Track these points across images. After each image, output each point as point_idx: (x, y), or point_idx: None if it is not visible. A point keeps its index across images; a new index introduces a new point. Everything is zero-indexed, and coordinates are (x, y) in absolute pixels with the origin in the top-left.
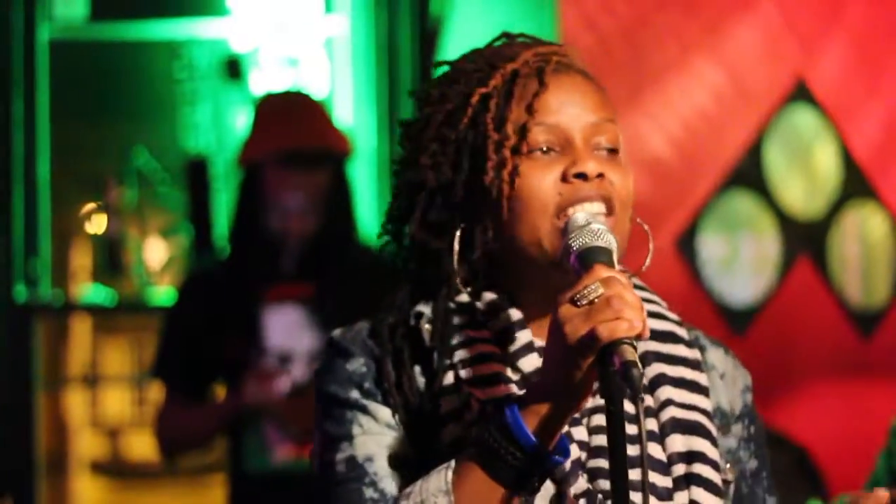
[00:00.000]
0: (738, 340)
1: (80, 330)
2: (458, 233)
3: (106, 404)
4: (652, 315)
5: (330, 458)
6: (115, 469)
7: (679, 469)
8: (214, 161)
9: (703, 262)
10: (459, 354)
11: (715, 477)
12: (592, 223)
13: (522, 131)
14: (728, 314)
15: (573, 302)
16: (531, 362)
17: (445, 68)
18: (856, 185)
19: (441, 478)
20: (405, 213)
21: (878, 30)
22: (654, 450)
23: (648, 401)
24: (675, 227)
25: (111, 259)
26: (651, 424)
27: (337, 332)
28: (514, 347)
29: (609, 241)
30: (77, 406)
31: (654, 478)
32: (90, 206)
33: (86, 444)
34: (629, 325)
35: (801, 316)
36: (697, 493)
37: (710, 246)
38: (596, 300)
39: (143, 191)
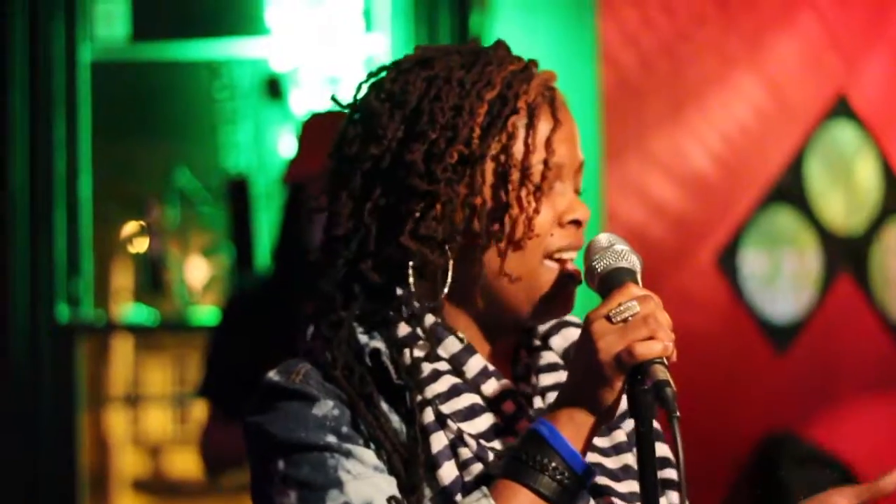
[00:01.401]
0: (779, 357)
1: (122, 349)
2: (451, 250)
3: (147, 423)
4: (578, 326)
5: None
6: (156, 487)
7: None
8: (255, 180)
9: (744, 278)
10: (431, 389)
11: (679, 477)
12: (616, 244)
13: (543, 169)
14: (770, 330)
15: (608, 318)
16: (492, 387)
17: (427, 60)
18: None
19: None
20: (390, 220)
21: None
22: (629, 460)
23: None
24: (716, 243)
25: (153, 278)
26: (619, 436)
27: (278, 378)
28: (470, 374)
29: (633, 262)
30: (119, 424)
31: (636, 487)
32: (132, 225)
33: (128, 463)
34: (663, 347)
35: (842, 332)
36: (672, 496)
37: (752, 262)
38: (631, 318)
39: (185, 210)
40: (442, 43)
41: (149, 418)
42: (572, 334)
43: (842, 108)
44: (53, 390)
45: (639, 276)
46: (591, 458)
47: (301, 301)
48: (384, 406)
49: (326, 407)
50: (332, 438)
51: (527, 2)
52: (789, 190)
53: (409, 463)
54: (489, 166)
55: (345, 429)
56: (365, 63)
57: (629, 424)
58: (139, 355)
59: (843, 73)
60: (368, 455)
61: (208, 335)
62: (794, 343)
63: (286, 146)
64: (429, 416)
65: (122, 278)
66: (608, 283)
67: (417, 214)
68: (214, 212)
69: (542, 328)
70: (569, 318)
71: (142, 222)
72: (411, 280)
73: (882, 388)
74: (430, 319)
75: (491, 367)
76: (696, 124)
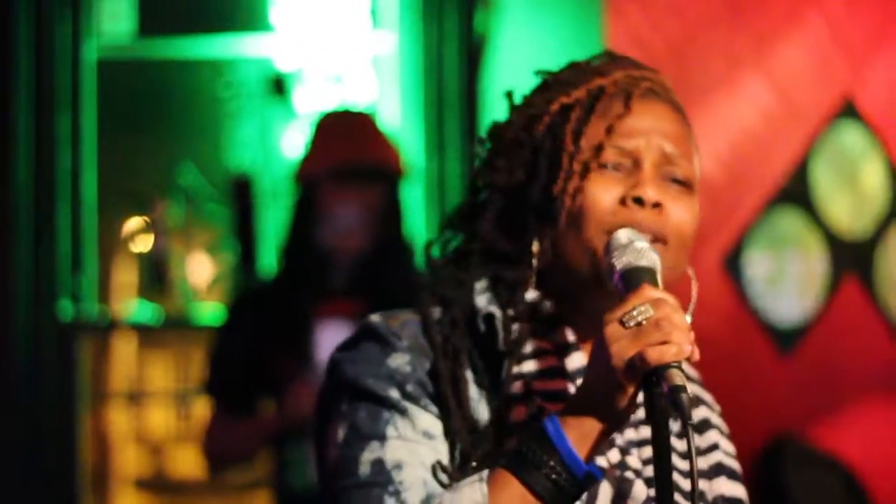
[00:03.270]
0: (784, 359)
1: (125, 346)
2: (534, 237)
3: (150, 420)
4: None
5: (355, 454)
6: (158, 485)
7: None
8: (259, 178)
9: (749, 281)
10: (528, 364)
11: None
12: (636, 241)
13: (597, 149)
14: (775, 333)
15: (621, 322)
16: None
17: (543, 77)
18: None
19: (475, 489)
20: (477, 211)
21: None
22: (705, 487)
23: (697, 440)
24: (721, 246)
25: (156, 276)
26: (700, 463)
27: (376, 319)
28: (571, 368)
29: (653, 259)
30: (121, 422)
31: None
32: (136, 223)
33: (129, 460)
34: (678, 350)
35: (848, 335)
36: None
37: (757, 264)
38: (644, 322)
39: (189, 208)
40: (448, 42)
41: (151, 416)
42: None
43: (848, 111)
44: (56, 387)
45: (658, 275)
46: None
47: (308, 299)
48: (469, 374)
49: (402, 360)
50: (394, 393)
51: (534, 1)
52: (795, 192)
53: (475, 430)
54: (543, 150)
55: (410, 386)
56: (371, 61)
57: (713, 457)
58: (142, 353)
59: (849, 76)
60: (423, 418)
61: (213, 332)
62: (798, 345)
63: (290, 144)
64: (517, 387)
65: (126, 275)
66: (627, 281)
67: (494, 206)
68: (218, 209)
69: None
70: None
71: (146, 219)
72: (535, 250)
73: (887, 392)
74: (547, 306)
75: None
76: (702, 126)
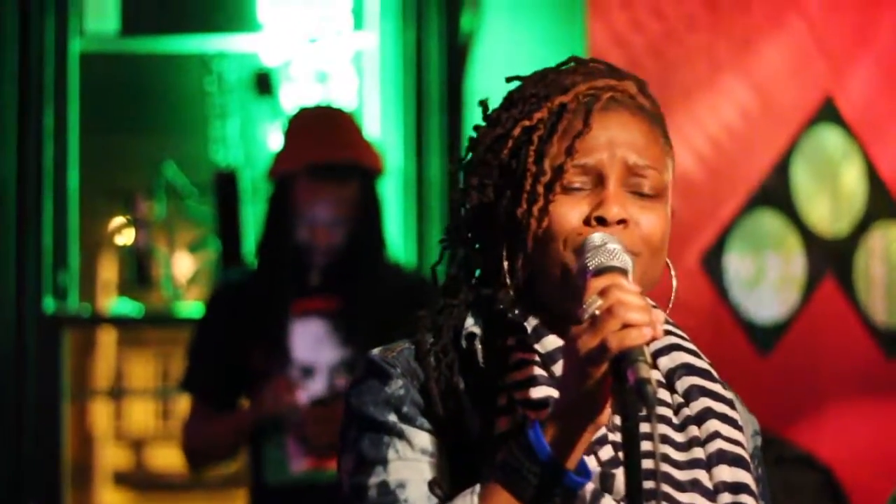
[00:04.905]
0: (763, 359)
1: (107, 342)
2: (504, 254)
3: (131, 416)
4: (688, 352)
5: (363, 481)
6: (138, 481)
7: (725, 498)
8: (243, 175)
9: (729, 281)
10: (512, 377)
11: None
12: (608, 243)
13: (559, 170)
14: (753, 332)
15: (578, 319)
16: None
17: (516, 84)
18: (882, 204)
19: (466, 502)
20: (458, 230)
21: None
22: (702, 476)
23: (695, 431)
24: (701, 245)
25: (139, 272)
26: (698, 453)
27: (376, 353)
28: (558, 372)
29: (625, 261)
30: (102, 418)
31: (702, 502)
32: (119, 219)
33: (110, 456)
34: (638, 332)
35: (826, 335)
36: None
37: (737, 264)
38: (597, 312)
39: (172, 204)
40: (429, 41)
41: (132, 412)
42: (682, 358)
43: (828, 112)
44: (38, 381)
45: (630, 275)
46: (661, 466)
47: (284, 296)
48: (462, 389)
49: (396, 385)
50: (392, 417)
51: (516, 1)
52: (775, 193)
53: (467, 444)
54: (509, 174)
55: (405, 408)
56: (353, 59)
57: (713, 446)
58: (123, 349)
59: (829, 78)
60: (420, 438)
61: (192, 328)
62: (777, 345)
63: (275, 141)
64: (502, 400)
65: (109, 271)
66: None
67: (466, 222)
68: (202, 206)
69: (654, 346)
70: (680, 341)
71: (129, 216)
72: (505, 267)
73: (864, 391)
74: (533, 321)
75: None
76: (683, 126)
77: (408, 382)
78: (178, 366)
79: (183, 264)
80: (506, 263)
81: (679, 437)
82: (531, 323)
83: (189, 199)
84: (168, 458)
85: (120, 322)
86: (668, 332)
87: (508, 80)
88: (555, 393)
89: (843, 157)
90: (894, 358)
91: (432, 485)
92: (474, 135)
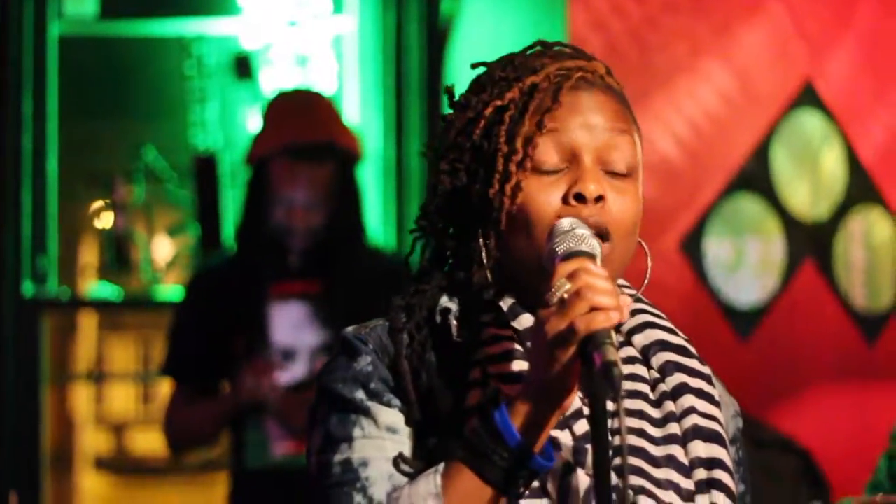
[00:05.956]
0: (742, 343)
1: (87, 326)
2: (478, 240)
3: (111, 401)
4: (663, 329)
5: (328, 458)
6: (119, 465)
7: (700, 473)
8: (223, 159)
9: (708, 264)
10: (485, 351)
11: (732, 485)
12: (577, 228)
13: (530, 147)
14: (733, 316)
15: (546, 303)
16: None
17: (481, 70)
18: (862, 188)
19: (430, 481)
20: (432, 213)
21: (887, 34)
22: (677, 452)
23: (671, 407)
24: (681, 229)
25: (118, 256)
26: (673, 429)
27: (349, 330)
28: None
29: (593, 245)
30: (83, 402)
31: (678, 478)
32: (98, 202)
33: (91, 440)
34: (605, 316)
35: (805, 319)
36: (718, 497)
37: (716, 248)
38: (565, 296)
39: (151, 188)
40: (409, 25)
41: (112, 396)
42: (656, 335)
43: (808, 97)
44: (17, 366)
45: (598, 260)
46: (636, 442)
47: (263, 279)
48: (435, 365)
49: (364, 362)
50: (359, 394)
51: None
52: (755, 177)
53: (436, 419)
54: (482, 152)
55: (373, 385)
56: (332, 43)
57: (688, 421)
58: (103, 332)
59: (809, 62)
60: (385, 414)
61: (172, 312)
62: (756, 329)
63: (254, 125)
64: (475, 374)
65: (88, 255)
66: None
67: (439, 206)
68: (181, 190)
69: (627, 325)
70: (655, 319)
71: (108, 199)
72: (482, 248)
73: (843, 375)
74: (509, 300)
75: None
76: (663, 111)
77: (376, 359)
78: (159, 350)
79: (162, 248)
80: (482, 243)
81: (655, 413)
82: (507, 302)
83: (168, 182)
84: (149, 442)
85: (99, 305)
86: (641, 311)
87: (474, 66)
88: (527, 368)
89: (823, 141)
90: (873, 342)
91: (396, 462)
92: (444, 122)
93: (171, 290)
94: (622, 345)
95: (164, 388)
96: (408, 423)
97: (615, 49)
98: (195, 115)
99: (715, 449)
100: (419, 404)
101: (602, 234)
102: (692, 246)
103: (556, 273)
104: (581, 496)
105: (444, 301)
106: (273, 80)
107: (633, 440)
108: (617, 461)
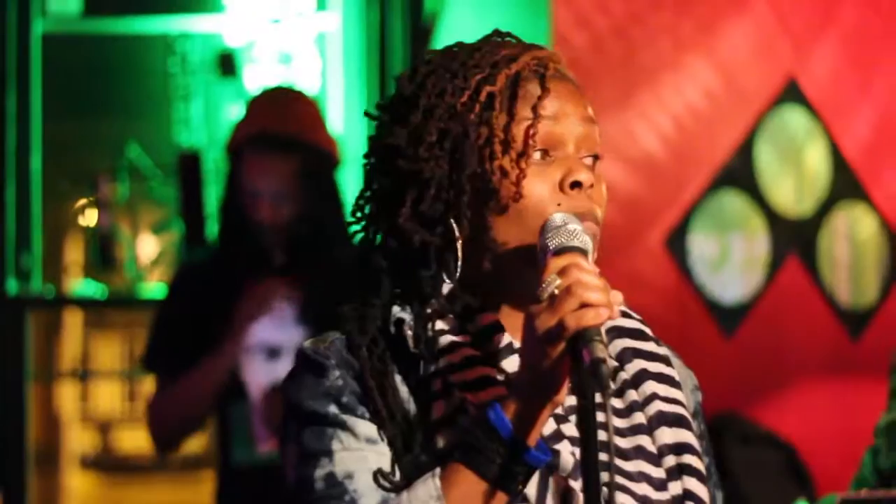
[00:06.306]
0: (727, 339)
1: (72, 325)
2: (455, 227)
3: (97, 398)
4: (621, 314)
5: (308, 473)
6: (105, 463)
7: (670, 461)
8: (207, 156)
9: (693, 261)
10: (445, 360)
11: (702, 467)
12: (569, 224)
13: (527, 135)
14: (718, 313)
15: (537, 298)
16: (514, 363)
17: (429, 58)
18: (846, 185)
19: (429, 485)
20: (390, 205)
21: (870, 31)
22: (645, 442)
23: (633, 395)
24: (665, 226)
25: (103, 254)
26: (639, 418)
27: (307, 346)
28: (493, 349)
29: (585, 241)
30: (68, 400)
31: (648, 469)
32: (82, 200)
33: (76, 439)
34: (595, 313)
35: (790, 315)
36: (689, 482)
37: (701, 245)
38: (556, 291)
39: (135, 185)
40: (393, 23)
41: (98, 394)
42: (611, 321)
43: (792, 93)
44: (2, 364)
45: (590, 257)
46: (604, 436)
47: (246, 275)
48: (398, 377)
49: (333, 377)
50: (332, 408)
51: None
52: (739, 173)
53: (407, 432)
54: (471, 140)
55: (345, 399)
56: (316, 41)
57: (652, 408)
58: (88, 331)
59: (793, 58)
60: (363, 427)
61: (155, 309)
62: (741, 325)
63: None
64: (436, 385)
65: (72, 253)
66: None
67: (413, 196)
68: (165, 187)
69: None
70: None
71: (92, 197)
72: (457, 236)
73: (827, 370)
74: (463, 301)
75: (517, 345)
76: (647, 107)
77: (344, 373)
78: (144, 347)
79: (146, 246)
80: (459, 231)
81: (619, 404)
82: (461, 303)
83: (152, 180)
84: (135, 440)
85: (83, 303)
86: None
87: (425, 53)
88: (491, 372)
89: (807, 138)
90: (858, 338)
91: (377, 475)
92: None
93: (155, 287)
94: None
95: (149, 386)
96: (380, 436)
97: (599, 46)
98: (179, 113)
99: (681, 433)
100: (388, 417)
101: (597, 220)
102: (677, 243)
103: (547, 268)
104: (560, 497)
105: (397, 310)
106: (257, 77)
107: (602, 435)
108: (602, 456)
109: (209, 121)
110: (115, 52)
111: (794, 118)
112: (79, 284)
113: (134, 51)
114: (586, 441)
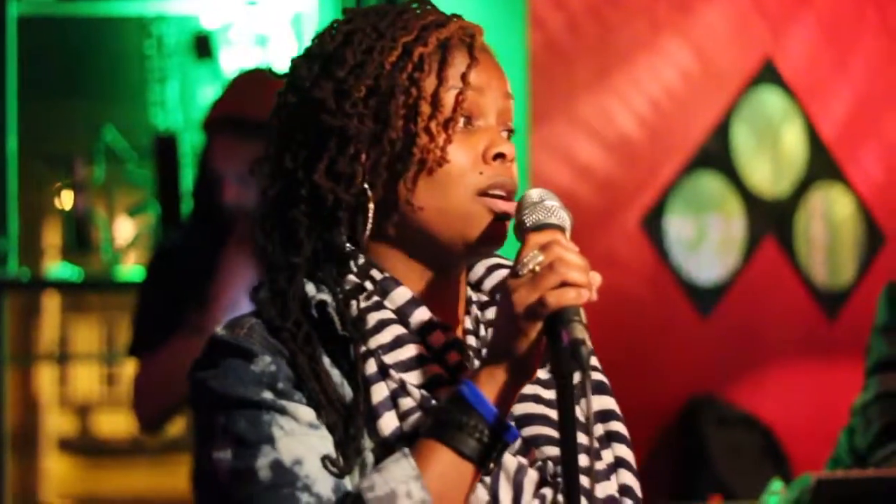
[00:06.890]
0: (704, 320)
1: (50, 307)
2: (367, 188)
3: (75, 382)
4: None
5: (248, 464)
6: (83, 447)
7: (598, 429)
8: (183, 139)
9: (670, 243)
10: (375, 340)
11: (626, 432)
12: (546, 200)
13: (457, 102)
14: (694, 294)
15: (516, 273)
16: (438, 338)
17: (350, 16)
18: (822, 165)
19: (405, 464)
20: (306, 160)
21: (846, 12)
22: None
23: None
24: (642, 207)
25: (79, 236)
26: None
27: (223, 333)
28: (416, 325)
29: (562, 217)
30: (46, 383)
31: (581, 438)
32: (58, 183)
33: (54, 422)
34: (576, 293)
35: (766, 296)
36: (619, 448)
37: (677, 226)
38: (537, 268)
39: (112, 168)
40: (368, 3)
41: (76, 377)
42: (503, 275)
43: (768, 74)
44: None
45: (567, 233)
46: (539, 409)
47: (216, 251)
48: (327, 360)
49: (264, 363)
50: (267, 394)
51: None
52: (715, 154)
53: (347, 416)
54: (399, 100)
55: (281, 384)
56: (292, 21)
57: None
58: (66, 313)
59: (769, 39)
60: (304, 411)
61: (135, 294)
62: (717, 306)
63: None
64: (371, 366)
65: (49, 236)
66: None
67: (332, 153)
68: (141, 170)
69: (474, 276)
70: (501, 261)
71: (68, 180)
72: (370, 197)
73: (805, 352)
74: (377, 274)
75: (437, 319)
76: (623, 88)
77: (276, 359)
78: (123, 330)
79: (123, 228)
80: (370, 213)
81: (544, 374)
82: (376, 276)
83: (128, 162)
84: (113, 423)
85: (60, 286)
86: (498, 266)
87: (345, 11)
88: (422, 350)
89: (784, 119)
90: (834, 318)
91: (325, 459)
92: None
93: (132, 270)
94: (488, 304)
95: (129, 369)
96: (319, 421)
97: (575, 26)
98: (155, 95)
99: (604, 400)
100: (327, 403)
101: (514, 194)
102: (653, 224)
103: (526, 244)
104: (511, 475)
105: (312, 291)
106: (233, 59)
107: (533, 407)
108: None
109: (185, 103)
110: (91, 35)
111: (770, 99)
112: (56, 267)
113: (110, 33)
114: (563, 423)
